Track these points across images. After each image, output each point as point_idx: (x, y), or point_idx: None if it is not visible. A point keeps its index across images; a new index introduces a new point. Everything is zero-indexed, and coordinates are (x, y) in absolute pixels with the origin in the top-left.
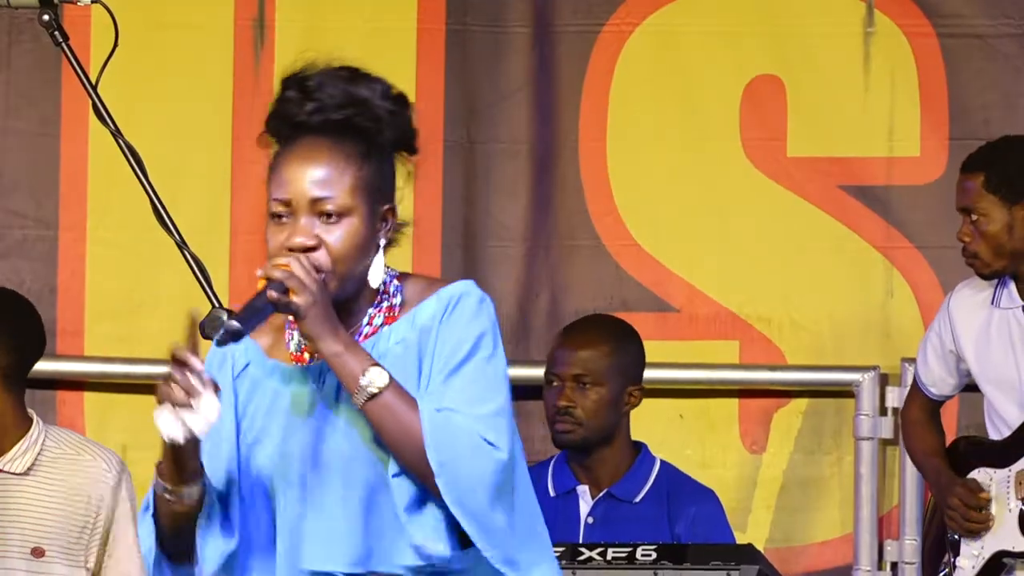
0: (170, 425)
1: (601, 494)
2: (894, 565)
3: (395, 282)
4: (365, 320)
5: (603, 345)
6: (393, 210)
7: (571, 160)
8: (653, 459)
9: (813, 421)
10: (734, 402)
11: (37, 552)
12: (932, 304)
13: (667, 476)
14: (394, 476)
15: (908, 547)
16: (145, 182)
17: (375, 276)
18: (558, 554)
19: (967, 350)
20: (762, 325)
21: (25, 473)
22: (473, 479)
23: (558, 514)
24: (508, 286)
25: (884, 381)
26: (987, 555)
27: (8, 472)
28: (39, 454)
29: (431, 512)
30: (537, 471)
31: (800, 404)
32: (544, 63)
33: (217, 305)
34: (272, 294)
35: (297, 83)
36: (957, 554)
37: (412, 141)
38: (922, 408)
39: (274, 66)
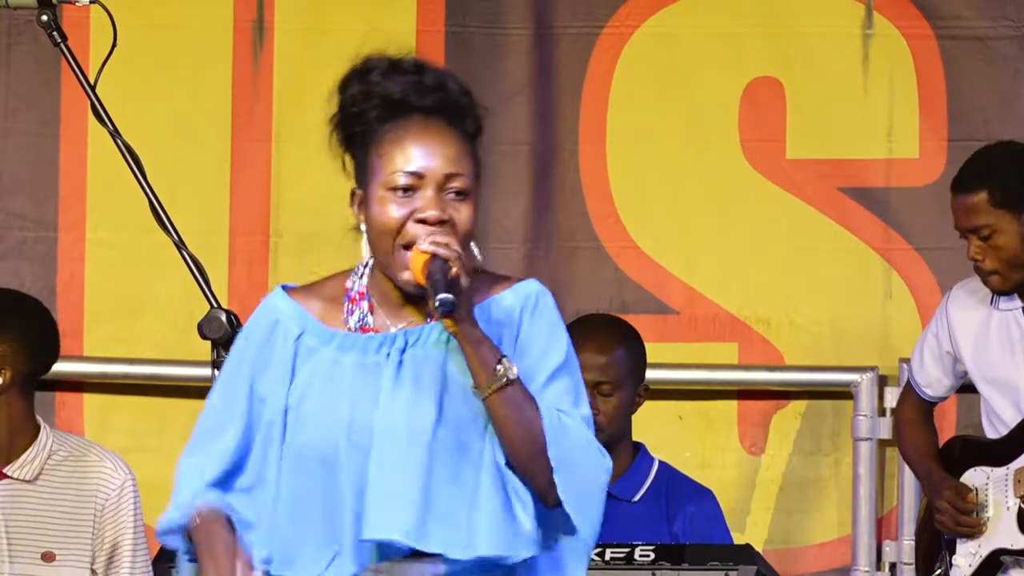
0: None
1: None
2: (892, 566)
3: None
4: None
5: (619, 350)
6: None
7: (571, 162)
8: (652, 459)
9: (812, 423)
10: (733, 404)
11: (48, 557)
12: (931, 305)
13: (665, 476)
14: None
15: (906, 548)
16: (144, 183)
17: (476, 262)
18: None
19: (965, 350)
20: (761, 327)
21: (34, 480)
22: (588, 481)
23: None
24: None
25: (883, 382)
26: (984, 553)
27: (18, 479)
28: (47, 459)
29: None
30: None
31: (799, 406)
32: (544, 65)
33: (216, 306)
34: (455, 271)
35: (390, 63)
36: (953, 553)
37: (480, 137)
38: (915, 408)
39: (273, 67)
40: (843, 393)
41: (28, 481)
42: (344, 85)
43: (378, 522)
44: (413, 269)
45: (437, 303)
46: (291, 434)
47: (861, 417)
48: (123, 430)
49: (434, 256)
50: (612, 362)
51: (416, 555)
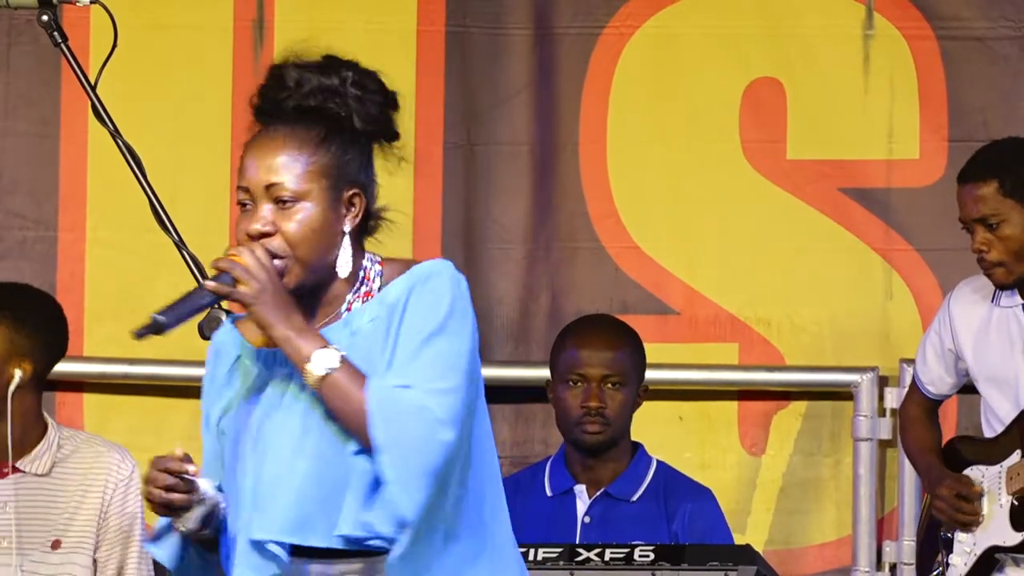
0: (180, 521)
1: (598, 493)
2: (893, 566)
3: (377, 267)
4: (344, 306)
5: (626, 346)
6: (362, 195)
7: (571, 162)
8: (650, 459)
9: (812, 423)
10: (733, 404)
11: (55, 545)
12: (931, 306)
13: (664, 475)
14: (353, 453)
15: (907, 548)
16: (144, 183)
17: (343, 263)
18: (556, 555)
19: (966, 347)
20: (762, 327)
21: (47, 473)
22: (416, 456)
23: (555, 514)
24: (508, 288)
25: (883, 383)
26: (979, 551)
27: (31, 473)
28: (56, 454)
29: (382, 495)
30: (532, 472)
31: (799, 407)
32: (544, 65)
33: (216, 306)
34: (211, 284)
35: (272, 73)
36: (950, 552)
37: (387, 128)
38: (920, 406)
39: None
40: (843, 394)
41: (41, 475)
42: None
43: (258, 525)
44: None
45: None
46: (224, 446)
47: (861, 417)
48: (123, 430)
49: (219, 272)
50: (620, 357)
51: (330, 555)
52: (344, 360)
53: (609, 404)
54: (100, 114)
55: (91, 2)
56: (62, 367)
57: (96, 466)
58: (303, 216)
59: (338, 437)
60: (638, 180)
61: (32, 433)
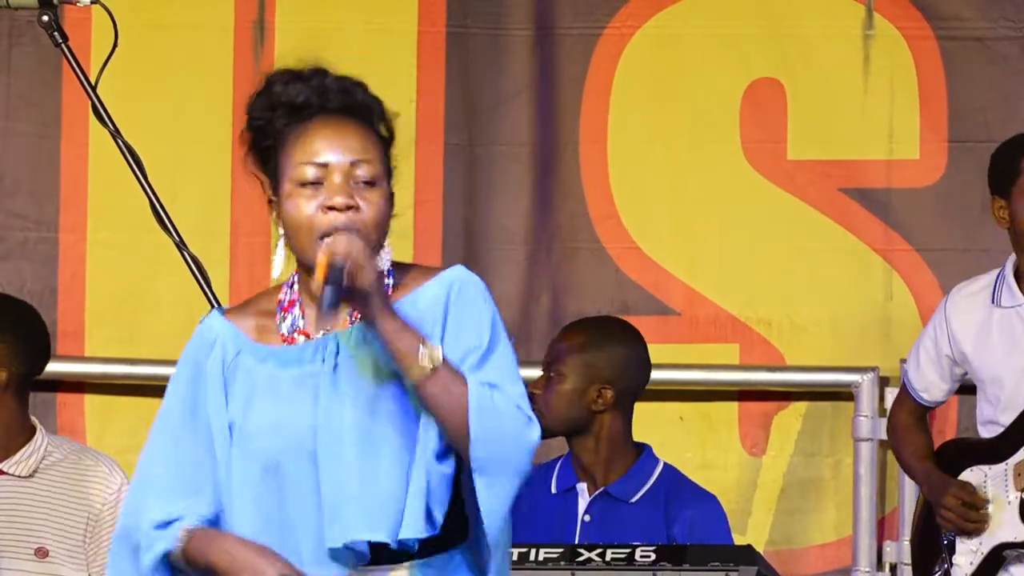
0: None
1: (598, 492)
2: (893, 567)
3: (387, 266)
4: None
5: (577, 339)
6: (393, 197)
7: (572, 163)
8: (656, 461)
9: (813, 423)
10: (734, 405)
11: (41, 552)
12: (931, 306)
13: (668, 479)
14: (436, 457)
15: (907, 548)
16: (145, 183)
17: (385, 258)
18: (557, 555)
19: (967, 350)
20: (762, 328)
21: (29, 476)
22: (507, 453)
23: (557, 511)
24: (509, 288)
25: (884, 383)
26: (986, 550)
27: (13, 475)
28: (42, 459)
29: (444, 490)
30: (544, 468)
31: (800, 407)
32: (545, 65)
33: (217, 306)
34: (350, 272)
35: (290, 74)
36: (953, 554)
37: (392, 144)
38: (911, 413)
39: (274, 68)
40: (844, 394)
41: (23, 477)
42: (249, 104)
43: (342, 526)
44: (317, 276)
45: (322, 304)
46: (237, 451)
47: (862, 418)
48: (123, 430)
49: (330, 264)
50: (562, 349)
51: (377, 560)
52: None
53: (545, 393)
54: (101, 114)
55: (92, 2)
56: (63, 367)
57: (85, 478)
58: (380, 200)
59: (396, 431)
60: (639, 180)
61: (17, 438)
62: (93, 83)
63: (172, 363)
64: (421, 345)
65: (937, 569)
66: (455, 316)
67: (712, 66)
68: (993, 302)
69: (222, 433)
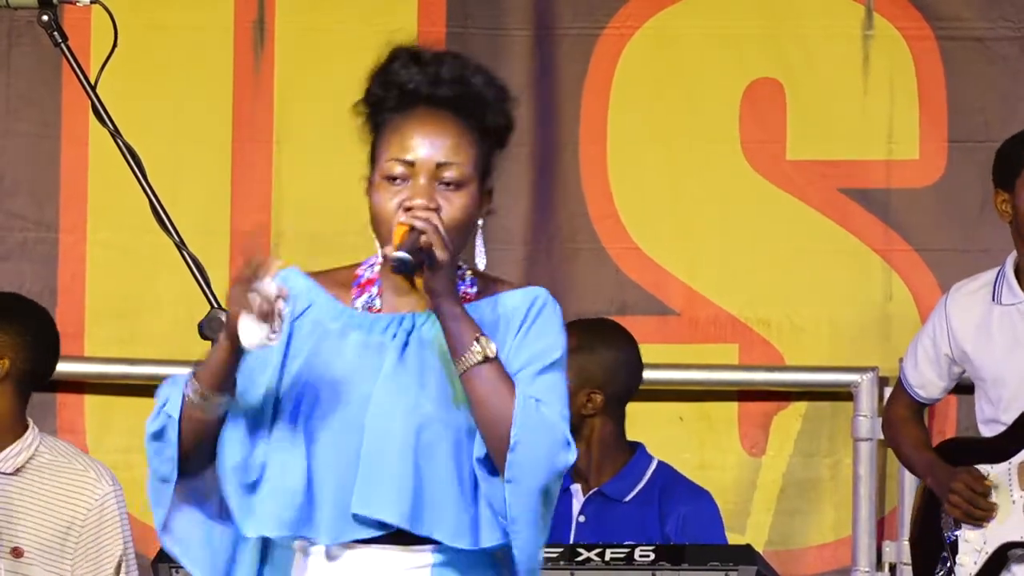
0: (250, 332)
1: (592, 492)
2: (892, 567)
3: (468, 273)
4: None
5: (569, 344)
6: (491, 193)
7: (571, 163)
8: (649, 460)
9: (812, 423)
10: (733, 405)
11: (16, 552)
12: (931, 306)
13: (661, 477)
14: (479, 460)
15: (906, 548)
16: (144, 183)
17: (479, 255)
18: (556, 555)
19: (967, 348)
20: (762, 328)
21: (13, 473)
22: (541, 466)
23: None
24: None
25: (883, 383)
26: (991, 549)
27: None
28: (31, 458)
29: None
30: None
31: (799, 407)
32: (544, 66)
33: (216, 306)
34: (425, 239)
35: (412, 55)
36: (956, 553)
37: (507, 134)
38: (907, 408)
39: (274, 67)
40: (843, 394)
41: (8, 475)
42: (372, 73)
43: (371, 499)
44: (392, 242)
45: (392, 260)
46: (285, 403)
47: (861, 418)
48: (123, 430)
49: (411, 228)
50: None
51: (391, 540)
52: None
53: None
54: (100, 114)
55: (91, 2)
56: (62, 367)
57: (70, 482)
58: (463, 203)
59: (463, 428)
60: (638, 181)
61: (7, 435)
62: (93, 83)
63: (172, 363)
64: (477, 336)
65: (939, 568)
66: (532, 327)
67: (711, 66)
68: (993, 300)
69: (272, 374)
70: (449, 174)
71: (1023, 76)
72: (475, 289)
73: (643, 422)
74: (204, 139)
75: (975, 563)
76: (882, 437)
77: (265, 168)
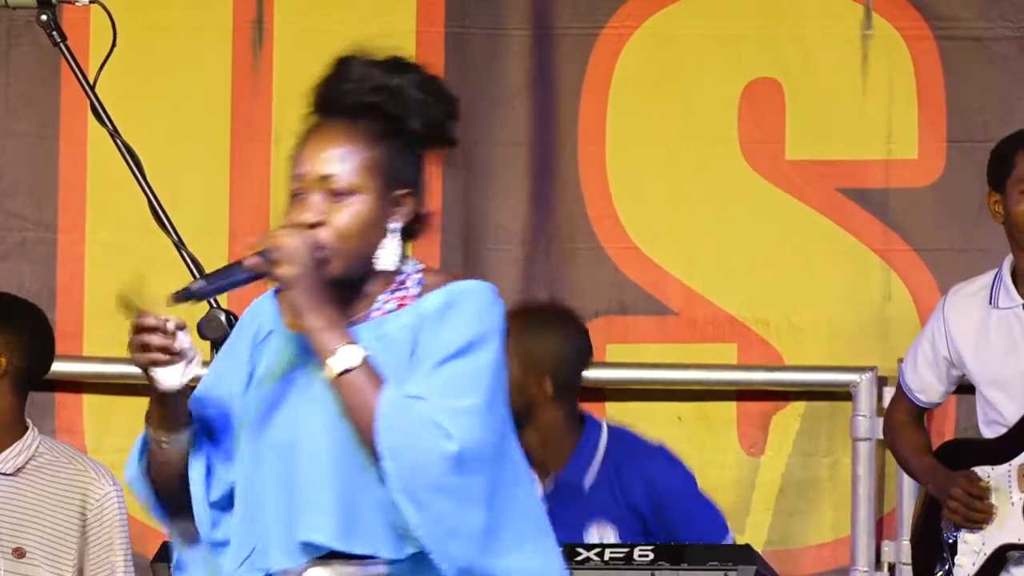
0: (166, 376)
1: (553, 487)
2: (891, 566)
3: (418, 275)
4: (376, 305)
5: (513, 329)
6: (412, 196)
7: (570, 162)
8: (598, 435)
9: (811, 423)
10: (732, 405)
11: (18, 552)
12: (930, 306)
13: (614, 450)
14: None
15: (905, 548)
16: (144, 183)
17: (385, 259)
18: None
19: (966, 353)
20: (760, 328)
21: (14, 474)
22: (419, 470)
23: None
24: (507, 288)
25: (882, 383)
26: (989, 551)
27: None
28: (31, 459)
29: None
30: None
31: (798, 407)
32: (543, 65)
33: (215, 306)
34: (251, 261)
35: (337, 66)
36: (955, 554)
37: (444, 134)
38: (907, 413)
39: (272, 67)
40: (842, 394)
41: (8, 475)
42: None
43: (302, 522)
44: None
45: (173, 296)
46: (241, 429)
47: (860, 417)
48: (123, 430)
49: (260, 252)
50: None
51: (343, 557)
52: (367, 361)
53: None
54: (99, 114)
55: (90, 2)
56: (61, 367)
57: (71, 482)
58: (353, 210)
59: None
60: (637, 180)
61: (6, 435)
62: (92, 83)
63: None
64: (340, 346)
65: (938, 569)
66: (440, 323)
67: (710, 66)
68: (991, 303)
69: (235, 400)
70: (335, 184)
71: (1022, 76)
72: (417, 291)
73: (642, 422)
74: (203, 139)
75: (973, 564)
76: (881, 437)
77: (263, 168)
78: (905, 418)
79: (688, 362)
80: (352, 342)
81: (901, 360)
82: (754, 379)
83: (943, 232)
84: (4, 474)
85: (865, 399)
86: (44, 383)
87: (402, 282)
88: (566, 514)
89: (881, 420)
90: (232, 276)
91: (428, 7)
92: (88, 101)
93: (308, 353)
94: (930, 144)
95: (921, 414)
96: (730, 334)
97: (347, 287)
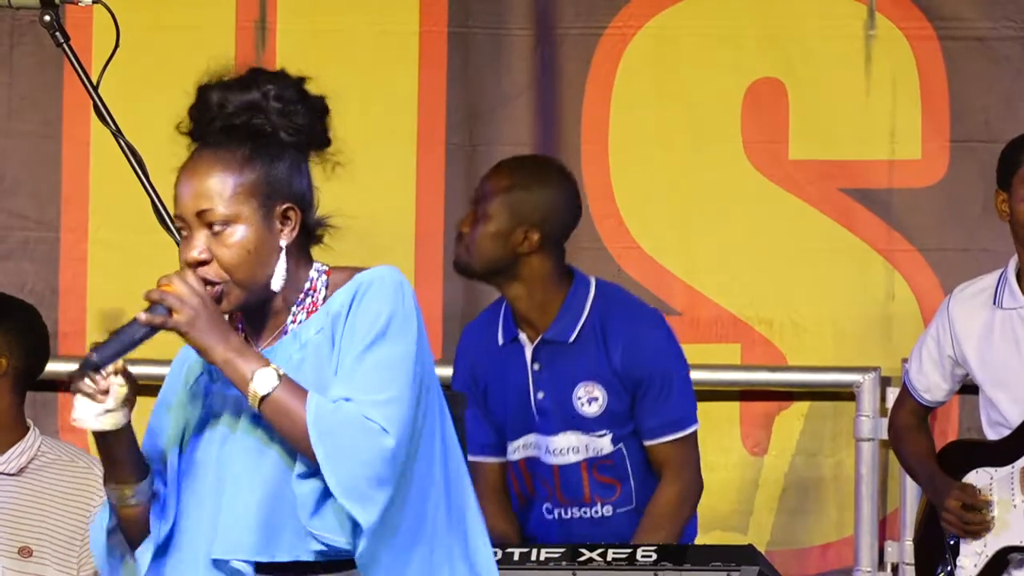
0: (82, 412)
1: (538, 339)
2: (895, 567)
3: (324, 277)
4: (290, 319)
5: (503, 180)
6: (296, 208)
7: (573, 163)
8: (586, 291)
9: (814, 424)
10: (735, 404)
11: (25, 552)
12: (933, 306)
13: (600, 307)
14: (298, 476)
15: (909, 548)
16: (146, 183)
17: (277, 279)
18: (558, 555)
19: (969, 352)
20: (763, 328)
21: (17, 474)
22: (358, 469)
23: (507, 362)
24: None
25: (885, 383)
26: (991, 553)
27: (1, 473)
28: (33, 458)
29: (332, 507)
30: (488, 318)
31: (801, 407)
32: (546, 66)
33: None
34: (143, 316)
35: (198, 95)
36: (957, 555)
37: (316, 136)
38: (913, 413)
39: (275, 68)
40: (845, 394)
41: (11, 475)
42: None
43: (220, 544)
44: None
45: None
46: (184, 457)
47: (863, 417)
48: None
49: (152, 303)
50: (490, 189)
51: (300, 568)
52: (284, 378)
53: (471, 232)
54: (102, 114)
55: (93, 2)
56: (64, 367)
57: (76, 480)
58: (236, 239)
59: (282, 456)
60: (640, 180)
61: (7, 435)
62: (95, 83)
63: (171, 363)
64: (254, 372)
65: (940, 570)
66: (352, 317)
67: (713, 66)
68: (995, 304)
69: (172, 442)
70: (213, 217)
71: None
72: (323, 293)
73: None
74: None
75: (975, 566)
76: (884, 437)
77: None
78: (909, 419)
79: (691, 362)
80: (266, 364)
81: (905, 360)
82: (757, 379)
83: (946, 232)
84: (7, 474)
85: (868, 399)
86: (46, 383)
87: (310, 288)
88: (554, 371)
89: (884, 420)
90: (130, 334)
91: (431, 7)
92: (91, 101)
93: (228, 388)
94: (934, 144)
95: (926, 414)
96: (733, 334)
97: (258, 311)
